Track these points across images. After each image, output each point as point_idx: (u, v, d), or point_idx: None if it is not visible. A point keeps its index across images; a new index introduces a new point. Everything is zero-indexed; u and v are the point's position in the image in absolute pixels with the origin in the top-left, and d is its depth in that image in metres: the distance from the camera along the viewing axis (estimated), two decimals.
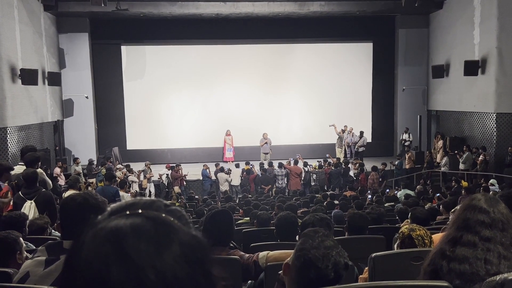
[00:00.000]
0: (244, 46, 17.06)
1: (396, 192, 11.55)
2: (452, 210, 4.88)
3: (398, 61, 17.15)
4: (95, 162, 14.59)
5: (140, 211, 0.63)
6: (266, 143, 15.56)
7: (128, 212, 0.63)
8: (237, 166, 13.93)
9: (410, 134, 16.38)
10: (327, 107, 17.34)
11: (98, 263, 0.55)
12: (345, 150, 16.18)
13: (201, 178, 14.10)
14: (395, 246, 2.95)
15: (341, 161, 14.52)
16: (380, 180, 13.20)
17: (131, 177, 12.79)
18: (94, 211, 1.72)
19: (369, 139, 16.82)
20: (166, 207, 0.67)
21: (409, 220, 4.68)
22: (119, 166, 13.90)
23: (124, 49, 16.69)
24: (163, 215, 0.63)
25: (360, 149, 15.75)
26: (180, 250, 0.58)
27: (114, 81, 16.62)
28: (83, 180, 12.39)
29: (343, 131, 16.15)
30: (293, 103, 17.35)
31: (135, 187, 12.70)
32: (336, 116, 16.94)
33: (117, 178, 9.98)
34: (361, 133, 15.87)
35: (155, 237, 0.58)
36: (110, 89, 16.63)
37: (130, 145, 16.90)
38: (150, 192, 13.53)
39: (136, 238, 0.57)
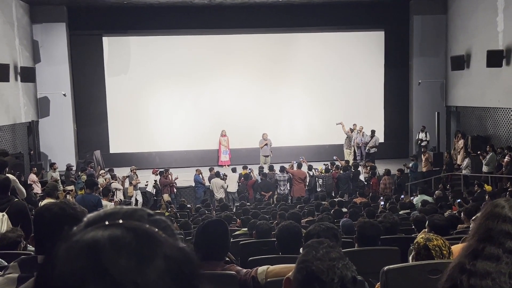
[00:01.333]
0: (241, 36, 17.08)
1: (412, 198, 11.55)
2: (473, 218, 4.89)
3: (413, 52, 17.19)
4: (74, 168, 14.58)
5: (120, 221, 0.64)
6: (266, 144, 15.57)
7: (106, 223, 0.63)
8: (234, 170, 13.93)
9: (427, 133, 16.40)
10: (333, 104, 17.36)
11: (73, 280, 0.55)
12: (354, 151, 16.18)
13: (193, 184, 14.08)
14: (410, 258, 2.95)
15: (350, 164, 14.52)
16: (394, 188, 13.18)
17: (115, 184, 12.78)
18: (72, 222, 1.71)
19: (381, 139, 16.84)
20: (150, 216, 0.67)
21: (426, 229, 4.68)
22: (101, 171, 13.89)
23: (106, 40, 16.70)
24: (146, 225, 0.63)
25: (372, 150, 15.77)
26: (165, 265, 0.58)
27: (95, 77, 16.63)
28: (61, 187, 12.37)
29: (352, 130, 16.16)
30: (296, 100, 17.37)
31: (120, 195, 12.69)
32: (344, 113, 16.95)
33: (99, 186, 9.97)
34: (372, 132, 15.89)
35: (137, 250, 0.58)
36: (90, 86, 16.63)
37: (114, 148, 16.89)
38: (136, 200, 13.51)
39: (116, 251, 0.57)
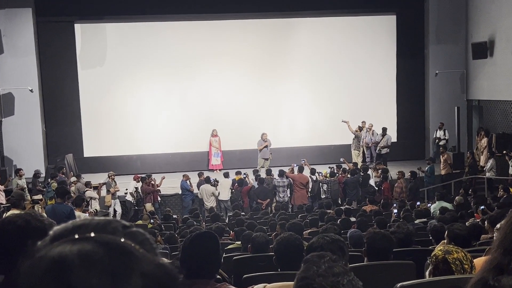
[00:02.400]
0: (233, 22, 17.08)
1: (429, 205, 11.58)
2: (497, 227, 4.91)
3: (429, 38, 17.25)
4: (43, 175, 14.53)
5: (91, 234, 0.64)
6: (266, 146, 15.57)
7: (76, 236, 0.63)
8: (226, 175, 13.92)
9: (446, 131, 16.46)
10: (339, 99, 17.40)
11: None
12: (363, 152, 16.22)
13: (180, 192, 14.05)
14: (427, 273, 2.96)
15: (358, 166, 14.55)
16: (408, 194, 13.21)
17: (90, 193, 12.75)
18: (38, 236, 1.71)
19: (393, 138, 16.89)
20: (125, 228, 0.67)
21: (445, 240, 4.70)
22: (73, 178, 13.84)
23: (78, 28, 16.66)
24: (121, 239, 0.63)
25: (383, 151, 15.81)
26: (142, 283, 0.58)
27: (66, 70, 16.58)
28: (29, 197, 12.33)
29: (361, 128, 16.19)
30: (296, 94, 17.39)
31: (95, 205, 12.65)
32: (351, 109, 16.99)
33: (71, 194, 9.94)
34: (384, 130, 15.93)
35: (110, 268, 0.58)
36: (61, 80, 16.59)
37: (89, 152, 16.85)
38: (114, 211, 13.46)
39: (86, 269, 0.57)
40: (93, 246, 0.61)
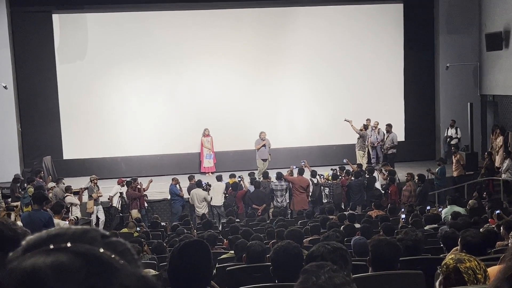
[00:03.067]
0: (226, 12, 17.09)
1: (440, 209, 11.61)
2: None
3: (439, 28, 17.30)
4: (22, 179, 14.47)
5: (67, 244, 0.64)
6: (264, 145, 15.58)
7: (51, 247, 0.63)
8: (219, 179, 13.92)
9: (458, 129, 16.51)
10: (342, 95, 17.43)
11: None
12: (368, 153, 16.24)
13: (168, 197, 14.03)
14: (437, 283, 2.97)
15: (363, 168, 14.57)
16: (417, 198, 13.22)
17: (70, 198, 12.73)
18: (10, 247, 1.71)
19: (401, 137, 16.93)
20: (104, 238, 0.67)
21: (458, 247, 4.72)
22: (51, 183, 13.80)
23: (56, 18, 16.63)
24: (100, 249, 0.64)
25: (390, 151, 15.84)
26: None
27: (44, 64, 16.54)
28: (3, 204, 12.29)
29: (366, 127, 16.20)
30: (296, 90, 17.41)
31: (76, 212, 12.63)
32: (355, 106, 17.02)
33: (50, 200, 9.91)
34: (388, 127, 15.95)
35: (87, 281, 0.59)
36: (38, 76, 16.55)
37: (68, 154, 16.81)
38: (97, 218, 13.45)
39: (60, 282, 0.58)
40: (69, 257, 0.61)
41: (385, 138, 16.00)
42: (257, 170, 15.46)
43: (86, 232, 0.68)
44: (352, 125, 15.87)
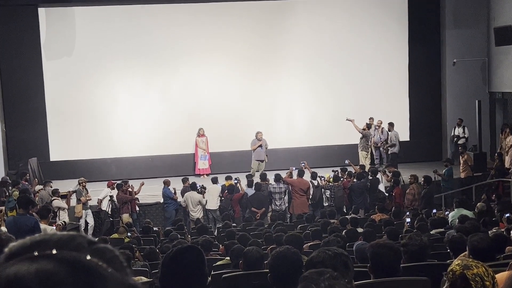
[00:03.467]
0: (221, 4, 17.08)
1: (446, 213, 11.63)
2: None
3: (446, 22, 17.32)
4: (9, 182, 14.42)
5: (52, 251, 0.64)
6: (260, 146, 15.57)
7: (35, 254, 0.63)
8: (215, 181, 13.91)
9: (466, 128, 16.53)
10: (343, 93, 17.44)
11: None
12: (371, 153, 16.25)
13: (161, 200, 14.02)
14: None
15: (366, 169, 14.58)
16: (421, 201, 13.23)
17: (57, 202, 12.70)
18: None
19: (406, 137, 16.93)
20: (92, 244, 0.68)
21: (466, 253, 4.73)
22: (38, 186, 13.77)
23: (43, 12, 16.60)
24: (87, 257, 0.64)
25: (390, 150, 15.85)
26: None
27: (29, 61, 16.52)
28: None
29: (369, 126, 16.21)
30: (295, 88, 17.42)
31: (64, 217, 12.61)
32: (357, 104, 17.03)
33: (36, 204, 9.90)
34: (390, 126, 15.95)
35: None
36: (23, 73, 16.52)
37: (55, 155, 16.78)
38: (86, 223, 13.43)
39: None
40: (54, 265, 0.61)
41: (388, 137, 16.01)
42: (250, 171, 15.45)
43: (72, 238, 0.68)
44: (354, 124, 15.87)
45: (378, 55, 17.51)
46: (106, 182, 14.33)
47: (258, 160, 15.65)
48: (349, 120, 15.87)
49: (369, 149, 16.12)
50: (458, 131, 16.70)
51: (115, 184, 13.78)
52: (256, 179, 14.33)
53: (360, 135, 16.03)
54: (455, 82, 17.38)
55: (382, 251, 3.87)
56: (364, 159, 15.89)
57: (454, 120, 17.03)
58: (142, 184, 13.97)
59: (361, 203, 13.38)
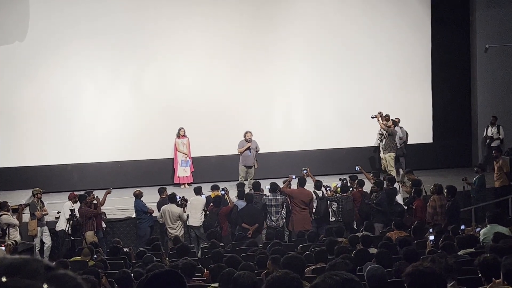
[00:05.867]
0: None
1: (477, 229, 11.65)
2: None
3: (476, 1, 17.38)
4: None
5: (2, 279, 0.64)
6: (249, 148, 15.57)
7: None
8: (198, 191, 13.91)
9: (501, 128, 16.59)
10: (353, 87, 17.47)
11: None
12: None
13: (133, 215, 13.99)
14: None
15: (398, 180, 14.64)
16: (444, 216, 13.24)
17: (6, 218, 12.66)
18: None
19: (428, 138, 16.99)
20: (49, 270, 0.68)
21: (501, 279, 4.75)
22: None
23: None
24: (43, 285, 0.64)
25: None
26: None
27: None
28: None
29: (395, 122, 16.15)
30: (295, 81, 17.44)
31: (14, 235, 12.56)
32: (370, 100, 17.07)
33: None
34: (395, 122, 15.97)
35: None
36: None
37: (4, 161, 16.73)
38: (42, 242, 13.37)
39: None
40: None
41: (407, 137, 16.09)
42: (238, 179, 15.48)
43: (25, 262, 0.68)
44: (379, 121, 15.88)
45: (394, 40, 17.56)
46: (67, 194, 14.25)
47: (245, 166, 15.64)
48: (374, 117, 15.86)
49: (396, 149, 16.02)
50: (491, 131, 16.74)
51: (77, 196, 13.72)
52: (248, 189, 14.34)
53: (378, 135, 16.07)
54: (487, 72, 17.44)
55: (425, 281, 3.86)
56: (392, 162, 15.86)
57: (486, 118, 17.07)
58: (109, 192, 13.86)
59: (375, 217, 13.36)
